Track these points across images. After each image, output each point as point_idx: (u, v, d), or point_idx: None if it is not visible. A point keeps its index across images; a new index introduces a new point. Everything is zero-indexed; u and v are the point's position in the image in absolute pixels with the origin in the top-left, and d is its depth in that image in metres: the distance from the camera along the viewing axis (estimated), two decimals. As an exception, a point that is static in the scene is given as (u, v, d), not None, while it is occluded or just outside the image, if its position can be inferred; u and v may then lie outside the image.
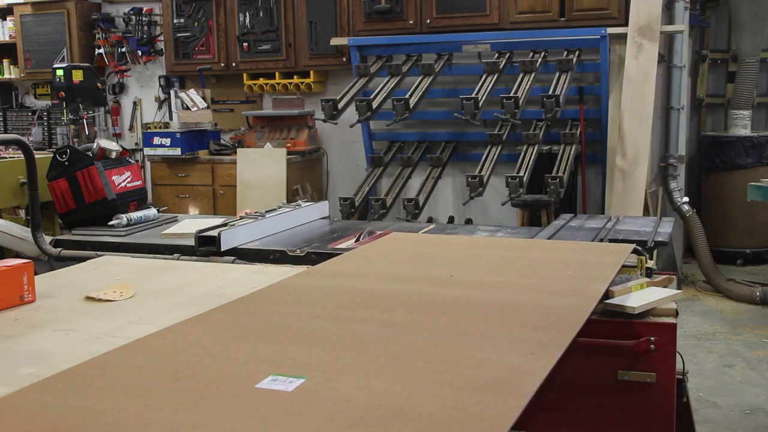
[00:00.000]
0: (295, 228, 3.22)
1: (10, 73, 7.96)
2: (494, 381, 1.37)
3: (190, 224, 3.32)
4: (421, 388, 1.34)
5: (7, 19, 7.80)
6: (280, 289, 2.08)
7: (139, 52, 7.36)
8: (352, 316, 1.81)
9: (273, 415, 1.26)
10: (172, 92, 6.99)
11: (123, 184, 3.36)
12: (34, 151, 3.02)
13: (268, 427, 1.21)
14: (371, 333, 1.68)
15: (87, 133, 6.18)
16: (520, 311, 1.82)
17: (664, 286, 2.48)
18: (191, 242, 2.96)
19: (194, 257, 2.79)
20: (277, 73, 6.76)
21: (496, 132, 5.51)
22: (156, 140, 6.57)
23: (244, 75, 6.89)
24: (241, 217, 3.09)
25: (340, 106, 5.39)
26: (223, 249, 2.78)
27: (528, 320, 1.73)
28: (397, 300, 1.93)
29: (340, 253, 2.67)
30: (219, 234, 2.77)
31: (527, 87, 5.23)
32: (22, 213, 4.09)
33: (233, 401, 1.30)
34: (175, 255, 2.89)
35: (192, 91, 6.73)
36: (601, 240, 2.89)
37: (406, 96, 5.30)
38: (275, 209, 3.26)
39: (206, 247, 2.80)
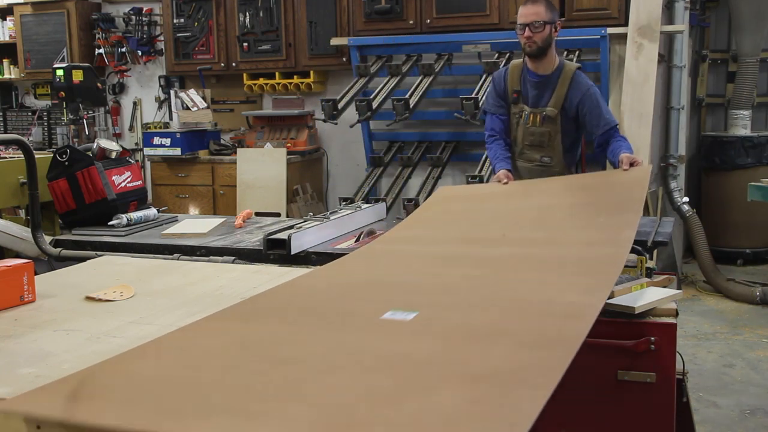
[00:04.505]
0: (357, 231, 3.16)
1: (10, 73, 7.96)
2: (563, 311, 1.74)
3: (190, 224, 3.32)
4: (508, 317, 1.75)
5: (7, 19, 7.80)
6: (367, 252, 2.50)
7: (139, 52, 7.36)
8: (434, 272, 2.23)
9: (398, 334, 1.64)
10: (172, 92, 6.99)
11: (123, 184, 3.36)
12: (34, 151, 3.02)
13: (400, 342, 1.59)
14: (455, 283, 2.08)
15: (87, 133, 6.18)
16: (569, 263, 2.21)
17: (664, 286, 2.49)
18: (191, 242, 2.96)
19: (260, 264, 2.69)
20: (277, 73, 6.76)
21: (496, 132, 5.51)
22: (156, 140, 6.57)
23: (244, 75, 6.89)
24: (305, 219, 3.04)
25: (340, 106, 5.39)
26: (293, 252, 2.72)
27: (577, 270, 2.11)
28: (465, 259, 2.35)
29: (343, 254, 2.68)
30: (289, 237, 2.72)
31: (527, 87, 5.23)
32: (22, 213, 4.08)
33: (365, 326, 1.70)
34: (175, 255, 2.89)
35: (192, 91, 6.73)
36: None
37: (406, 96, 5.30)
38: (336, 211, 3.22)
39: (276, 250, 2.74)
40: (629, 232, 2.34)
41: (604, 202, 2.84)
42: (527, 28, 3.50)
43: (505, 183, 3.35)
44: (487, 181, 4.99)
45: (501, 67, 5.44)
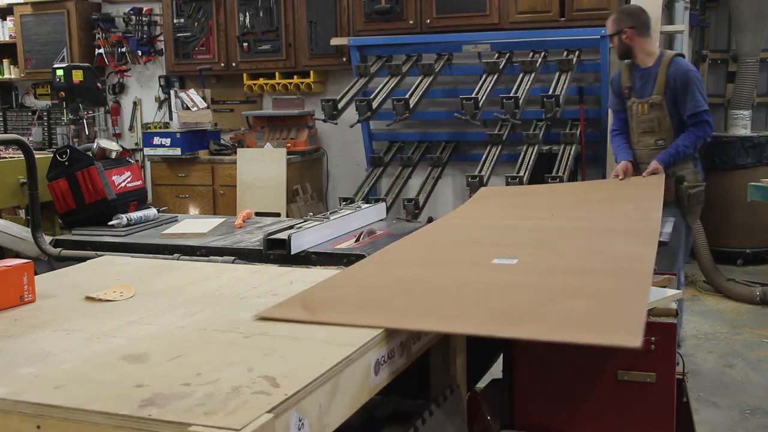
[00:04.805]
0: (357, 231, 3.14)
1: (10, 73, 7.96)
2: (628, 255, 2.25)
3: (190, 224, 3.32)
4: (589, 260, 2.27)
5: (7, 19, 7.81)
6: (446, 224, 3.05)
7: (139, 52, 7.36)
8: (509, 235, 2.70)
9: (512, 272, 2.13)
10: (172, 92, 6.99)
11: (123, 184, 3.35)
12: (34, 151, 3.02)
13: (517, 276, 2.09)
14: (530, 242, 2.55)
15: (87, 133, 6.18)
16: (616, 231, 2.67)
17: (664, 286, 2.49)
18: (191, 242, 2.96)
19: (260, 264, 2.69)
20: (277, 73, 6.76)
21: (496, 132, 5.51)
22: (156, 140, 6.57)
23: (244, 75, 6.89)
24: (305, 219, 3.02)
25: (340, 106, 5.39)
26: (293, 252, 2.71)
27: (624, 234, 2.59)
28: (528, 227, 2.81)
29: (343, 254, 2.68)
30: (289, 237, 2.71)
31: (527, 87, 5.23)
32: (22, 213, 4.09)
33: (486, 267, 2.19)
34: (175, 255, 2.89)
35: (192, 91, 6.73)
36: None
37: (406, 96, 5.30)
38: (336, 211, 3.20)
39: (275, 250, 2.73)
40: (656, 213, 2.87)
41: (629, 194, 3.50)
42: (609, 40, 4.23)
43: (621, 178, 3.94)
44: (487, 180, 4.99)
45: (500, 67, 5.48)
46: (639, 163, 4.14)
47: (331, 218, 3.04)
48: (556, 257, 2.33)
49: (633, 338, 1.52)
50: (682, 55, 4.18)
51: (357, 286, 2.08)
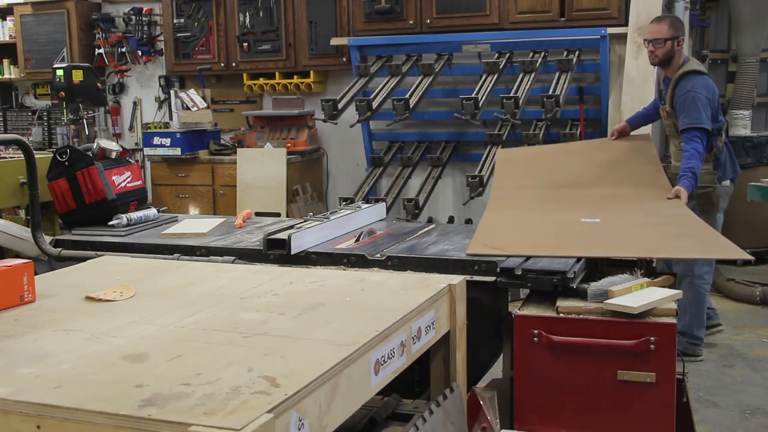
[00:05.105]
0: (357, 231, 3.15)
1: (10, 73, 7.96)
2: (680, 216, 3.11)
3: (190, 224, 3.32)
4: (653, 218, 3.11)
5: (7, 19, 7.80)
6: (502, 197, 3.62)
7: (139, 52, 7.36)
8: (566, 202, 3.36)
9: (602, 226, 2.91)
10: (172, 92, 6.99)
11: (123, 184, 3.35)
12: (34, 151, 3.02)
13: (610, 228, 2.89)
14: (591, 207, 3.20)
15: (87, 133, 6.18)
16: (644, 196, 3.48)
17: (664, 286, 2.49)
18: (191, 242, 2.96)
19: (260, 264, 2.71)
20: (277, 73, 6.76)
21: (496, 132, 5.51)
22: (156, 140, 6.57)
23: (244, 75, 6.89)
24: (305, 219, 3.03)
25: (340, 106, 5.39)
26: (293, 252, 2.72)
27: (651, 198, 3.44)
28: (577, 196, 3.47)
29: (343, 254, 2.68)
30: (289, 237, 2.71)
31: (527, 87, 5.23)
32: (22, 213, 4.09)
33: (581, 223, 2.95)
34: (175, 255, 2.89)
35: (192, 91, 6.73)
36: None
37: (406, 96, 5.30)
38: (336, 211, 3.21)
39: (275, 250, 2.74)
40: (663, 181, 3.68)
41: (634, 153, 4.04)
42: (651, 44, 4.18)
43: (614, 138, 4.22)
44: (487, 180, 4.99)
45: (500, 67, 5.48)
46: (673, 163, 4.44)
47: (331, 218, 3.04)
48: (625, 216, 3.06)
49: (741, 253, 2.45)
50: (696, 71, 4.15)
51: (513, 226, 3.07)
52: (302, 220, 3.03)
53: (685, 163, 3.93)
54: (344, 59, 6.43)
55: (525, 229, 2.97)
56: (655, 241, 2.73)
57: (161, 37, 7.32)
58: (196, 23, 6.94)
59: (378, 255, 2.67)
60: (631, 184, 3.60)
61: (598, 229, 2.85)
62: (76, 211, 3.27)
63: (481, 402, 2.34)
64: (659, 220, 3.04)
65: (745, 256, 2.51)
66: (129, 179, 3.40)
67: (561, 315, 2.38)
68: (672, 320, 2.28)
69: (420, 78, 5.68)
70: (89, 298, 2.07)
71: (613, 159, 3.95)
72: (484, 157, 5.29)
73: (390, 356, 1.72)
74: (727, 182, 4.37)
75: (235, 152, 6.48)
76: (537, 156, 4.19)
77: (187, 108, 6.65)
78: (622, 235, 2.82)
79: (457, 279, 2.15)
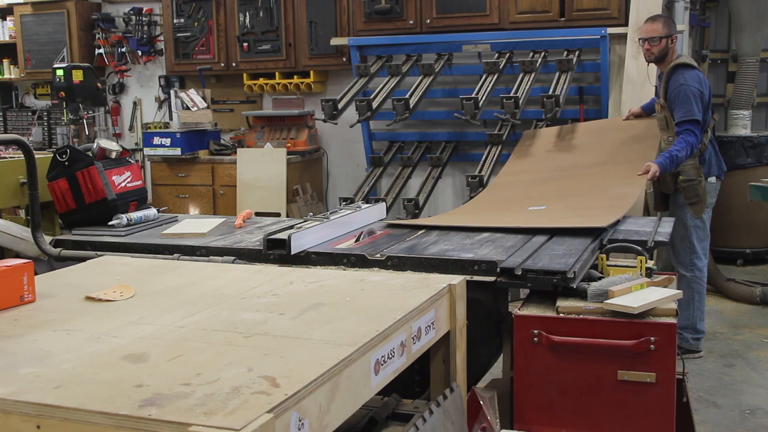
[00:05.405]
0: (357, 231, 3.15)
1: (10, 73, 7.96)
2: (616, 194, 3.65)
3: (190, 224, 3.32)
4: (590, 198, 3.73)
5: (7, 19, 7.80)
6: (503, 183, 4.33)
7: (139, 52, 7.36)
8: (538, 188, 4.04)
9: (546, 212, 3.45)
10: (172, 92, 6.98)
11: (123, 184, 3.36)
12: (34, 151, 3.02)
13: (551, 212, 3.46)
14: (553, 192, 3.88)
15: (87, 133, 6.18)
16: (611, 175, 4.03)
17: (664, 286, 2.49)
18: (191, 242, 2.96)
19: (260, 263, 2.71)
20: (277, 73, 6.76)
21: (496, 132, 5.51)
22: (156, 140, 6.57)
23: (244, 75, 6.89)
24: (305, 219, 3.03)
25: (340, 106, 5.39)
26: (293, 252, 2.71)
27: (632, 164, 4.02)
28: (555, 178, 4.15)
29: (343, 254, 2.68)
30: (289, 237, 2.71)
31: (527, 87, 5.23)
32: (22, 213, 4.09)
33: (529, 211, 3.52)
34: (175, 255, 2.89)
35: (192, 91, 6.72)
36: (602, 240, 2.89)
37: (406, 96, 5.29)
38: (336, 211, 3.20)
39: (275, 250, 2.73)
40: (651, 154, 4.18)
41: (628, 134, 4.52)
42: (647, 42, 4.31)
43: (624, 118, 4.67)
44: (487, 180, 5.00)
45: (500, 67, 5.48)
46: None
47: (331, 218, 3.04)
48: (568, 200, 3.67)
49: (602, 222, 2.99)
50: (687, 64, 4.26)
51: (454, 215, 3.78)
52: (302, 220, 3.03)
53: (671, 148, 4.10)
54: (344, 59, 6.43)
55: (467, 209, 3.85)
56: (562, 219, 3.21)
57: (161, 37, 7.31)
58: (196, 23, 6.94)
59: (378, 255, 2.67)
60: (623, 161, 4.13)
61: (532, 213, 3.46)
62: (76, 211, 3.27)
63: (481, 402, 2.34)
64: (598, 203, 3.55)
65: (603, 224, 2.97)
66: (129, 179, 3.40)
67: (561, 315, 2.38)
68: (672, 320, 2.28)
69: (420, 78, 5.68)
70: (89, 298, 2.07)
71: (622, 138, 4.36)
72: (484, 157, 5.29)
73: (390, 356, 1.72)
74: (713, 179, 4.48)
75: (235, 152, 6.48)
76: (557, 135, 4.83)
77: (187, 108, 6.65)
78: (544, 216, 3.37)
79: (457, 279, 2.15)
